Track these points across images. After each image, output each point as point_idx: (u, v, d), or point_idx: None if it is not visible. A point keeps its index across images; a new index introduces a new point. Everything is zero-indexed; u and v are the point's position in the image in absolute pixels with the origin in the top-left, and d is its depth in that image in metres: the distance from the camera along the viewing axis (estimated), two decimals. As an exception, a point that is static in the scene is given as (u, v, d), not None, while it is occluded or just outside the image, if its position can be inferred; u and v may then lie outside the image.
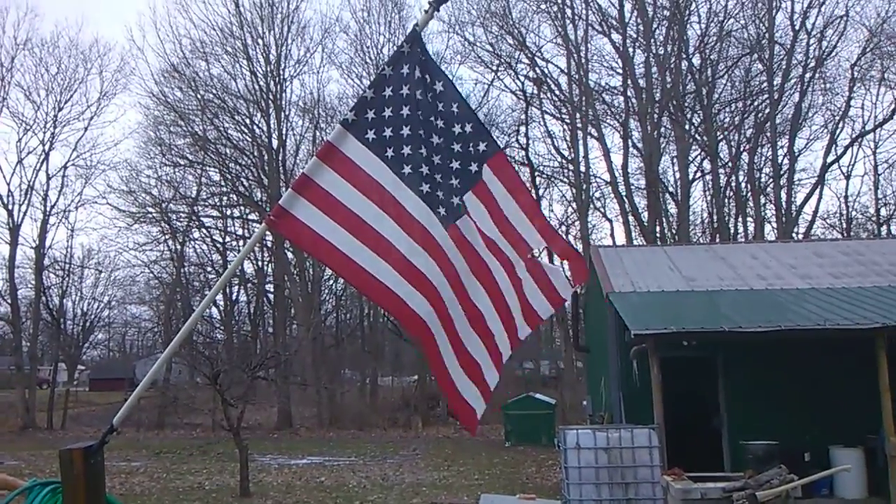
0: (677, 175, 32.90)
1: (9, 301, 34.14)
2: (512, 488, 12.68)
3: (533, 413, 21.49)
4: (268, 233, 3.11)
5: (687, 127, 32.41)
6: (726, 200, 33.40)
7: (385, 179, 3.10)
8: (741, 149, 33.17)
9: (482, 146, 3.34)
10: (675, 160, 33.12)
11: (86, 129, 36.39)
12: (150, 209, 35.27)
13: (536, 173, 34.55)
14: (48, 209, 35.05)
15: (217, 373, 15.90)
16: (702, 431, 12.94)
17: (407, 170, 3.12)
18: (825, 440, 11.79)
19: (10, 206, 33.97)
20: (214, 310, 38.67)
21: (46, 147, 34.86)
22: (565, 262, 3.63)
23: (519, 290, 3.33)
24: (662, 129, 32.84)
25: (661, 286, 14.79)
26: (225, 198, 36.42)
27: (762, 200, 33.22)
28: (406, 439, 24.51)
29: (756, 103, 32.84)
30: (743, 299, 13.54)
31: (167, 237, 35.98)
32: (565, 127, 34.71)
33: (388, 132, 3.13)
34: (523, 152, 34.47)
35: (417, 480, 14.72)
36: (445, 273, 3.12)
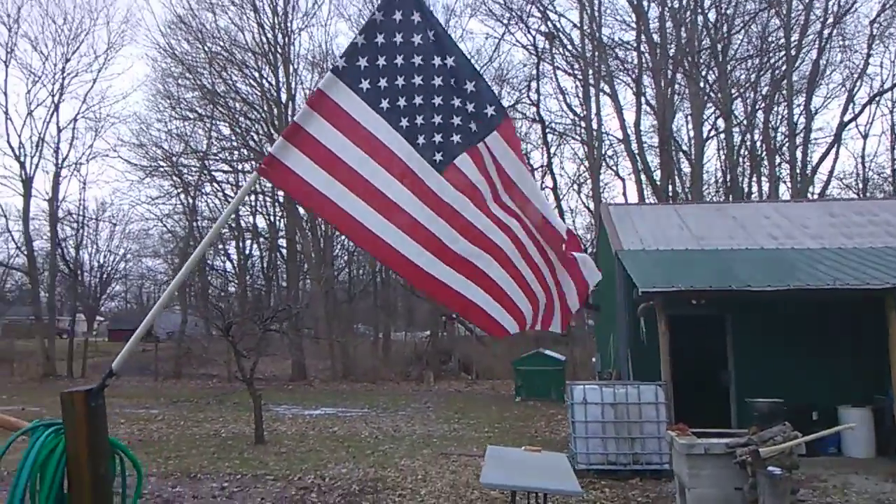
0: (691, 133, 32.62)
1: (25, 252, 34.64)
2: (521, 441, 12.93)
3: (543, 369, 21.78)
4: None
5: (701, 84, 31.95)
6: (740, 159, 33.10)
7: (378, 130, 3.05)
8: (756, 107, 32.76)
9: (490, 110, 3.20)
10: (689, 118, 32.80)
11: (94, 81, 36.40)
12: (161, 163, 35.35)
13: (548, 130, 34.29)
14: (60, 162, 35.25)
15: (229, 325, 16.20)
16: (710, 389, 13.11)
17: (404, 122, 3.07)
18: (833, 400, 11.90)
19: (21, 159, 34.19)
20: (228, 264, 39.11)
21: (56, 99, 34.86)
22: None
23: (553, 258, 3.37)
24: (676, 87, 32.43)
25: (671, 244, 14.82)
26: (236, 152, 36.45)
27: (777, 160, 32.89)
28: (418, 392, 24.92)
29: (772, 60, 32.32)
30: (753, 258, 13.56)
31: (179, 191, 36.10)
32: (577, 83, 34.38)
33: (382, 83, 3.07)
34: (534, 108, 34.17)
35: (428, 432, 15.04)
36: (447, 218, 3.07)
